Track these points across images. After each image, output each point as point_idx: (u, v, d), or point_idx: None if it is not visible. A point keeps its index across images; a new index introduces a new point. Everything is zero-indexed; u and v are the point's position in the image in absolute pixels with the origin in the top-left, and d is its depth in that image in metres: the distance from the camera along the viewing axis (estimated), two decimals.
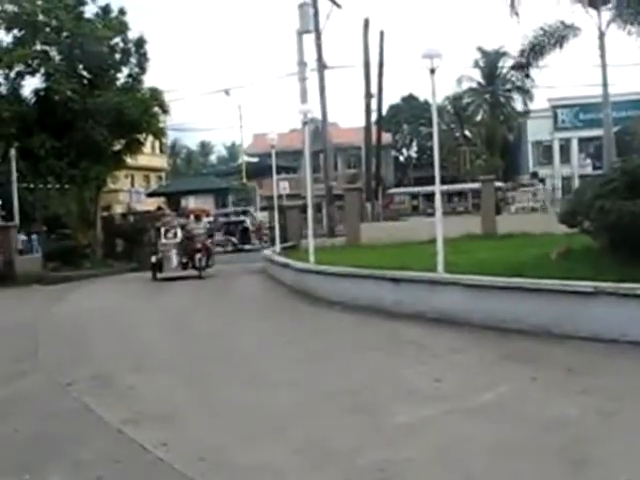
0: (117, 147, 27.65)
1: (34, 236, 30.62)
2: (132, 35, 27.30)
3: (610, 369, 7.53)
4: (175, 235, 21.47)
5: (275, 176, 23.22)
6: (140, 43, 27.36)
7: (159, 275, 20.98)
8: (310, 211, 18.49)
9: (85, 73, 26.48)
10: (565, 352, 8.28)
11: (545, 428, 5.69)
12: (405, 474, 5.09)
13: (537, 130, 57.66)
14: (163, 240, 21.39)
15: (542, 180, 52.58)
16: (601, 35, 21.35)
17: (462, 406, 6.41)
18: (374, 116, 34.32)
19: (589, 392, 6.69)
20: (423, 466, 5.17)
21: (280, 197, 36.47)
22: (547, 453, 5.28)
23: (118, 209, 37.58)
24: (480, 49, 60.08)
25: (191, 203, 47.23)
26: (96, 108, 25.01)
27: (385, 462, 5.21)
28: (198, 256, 20.75)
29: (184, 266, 21.09)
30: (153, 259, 21.21)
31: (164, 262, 21.11)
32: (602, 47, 21.37)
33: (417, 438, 5.74)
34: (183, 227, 21.87)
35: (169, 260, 21.14)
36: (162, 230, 21.75)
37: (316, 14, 27.97)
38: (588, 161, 52.14)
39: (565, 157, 58.43)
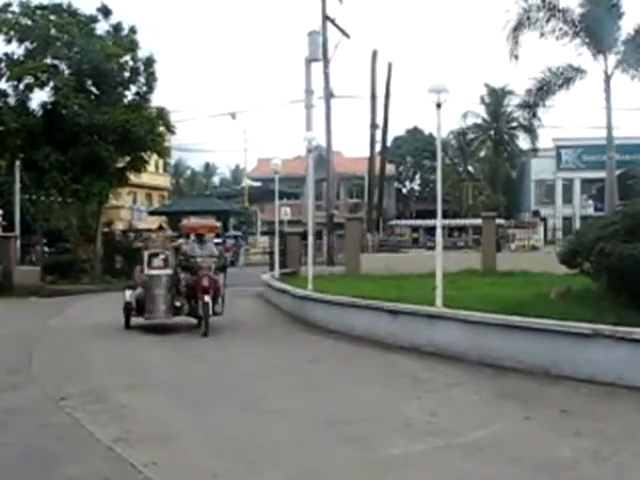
0: (121, 164, 27.75)
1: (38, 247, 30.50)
2: (142, 54, 27.58)
3: (605, 412, 7.48)
4: (166, 262, 14.36)
5: (277, 201, 23.29)
6: (149, 62, 27.58)
7: (136, 320, 14.34)
8: (311, 238, 18.52)
9: (93, 89, 26.68)
10: (561, 393, 8.25)
11: (539, 469, 5.65)
12: None
13: (540, 169, 57.98)
14: (146, 270, 14.23)
15: (544, 219, 52.70)
16: (607, 78, 21.55)
17: (456, 442, 6.38)
18: (378, 147, 34.49)
19: (583, 434, 6.66)
20: None
21: (281, 222, 36.69)
22: None
23: (119, 226, 37.60)
24: (487, 85, 60.67)
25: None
26: (103, 124, 25.14)
27: None
28: (205, 299, 13.34)
29: (176, 310, 14.14)
30: (127, 296, 14.31)
31: (147, 302, 14.02)
32: (608, 90, 21.55)
33: (410, 472, 5.70)
34: (178, 250, 14.94)
35: (154, 301, 14.00)
36: (145, 254, 14.43)
37: (325, 43, 28.23)
38: (590, 202, 52.33)
39: (567, 197, 58.70)
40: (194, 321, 14.07)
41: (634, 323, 8.66)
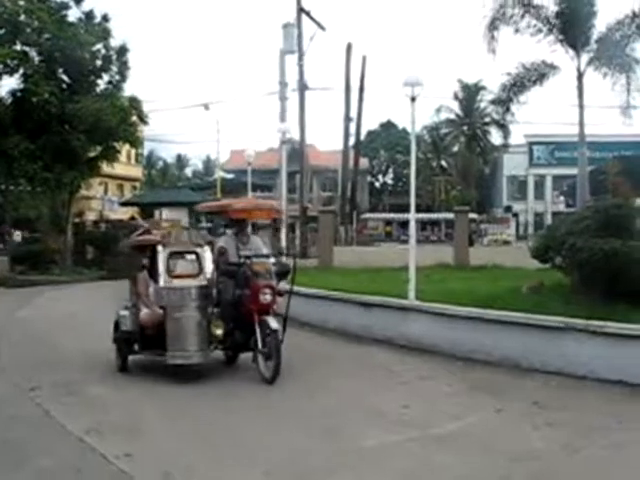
0: (93, 154, 27.43)
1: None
2: (114, 43, 27.22)
3: (577, 405, 7.58)
4: (197, 267, 9.28)
5: (250, 194, 23.13)
6: (122, 51, 27.26)
7: (134, 357, 9.42)
8: (284, 231, 18.47)
9: (65, 77, 26.29)
10: (532, 386, 8.32)
11: (512, 460, 5.70)
12: None
13: (513, 165, 58.41)
14: (166, 280, 8.98)
15: (515, 214, 53.20)
16: (579, 75, 21.71)
17: (430, 434, 6.41)
18: (352, 140, 34.49)
19: (555, 426, 6.73)
20: None
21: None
22: None
23: (90, 216, 37.20)
24: (460, 81, 60.99)
25: (165, 215, 46.99)
26: (74, 113, 24.80)
27: None
28: (272, 325, 8.58)
29: (217, 343, 9.13)
30: (123, 320, 9.46)
31: (169, 333, 8.73)
32: (580, 87, 21.72)
33: (383, 463, 5.71)
34: (210, 244, 9.92)
35: (180, 330, 8.74)
36: (162, 255, 9.13)
37: (300, 35, 28.14)
38: (561, 198, 52.75)
39: (539, 193, 59.23)
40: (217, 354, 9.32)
41: (605, 317, 8.76)
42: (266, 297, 8.71)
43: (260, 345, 8.57)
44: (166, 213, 47.19)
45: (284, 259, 10.55)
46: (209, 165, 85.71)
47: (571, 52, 21.79)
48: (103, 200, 48.96)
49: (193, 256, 9.25)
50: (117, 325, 9.56)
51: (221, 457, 5.90)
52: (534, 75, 22.29)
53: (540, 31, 21.88)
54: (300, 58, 28.28)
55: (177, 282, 8.89)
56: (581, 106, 21.98)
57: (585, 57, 21.84)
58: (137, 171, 64.14)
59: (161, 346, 8.73)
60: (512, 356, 9.19)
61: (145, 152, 68.97)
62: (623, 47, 21.32)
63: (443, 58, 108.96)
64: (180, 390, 8.24)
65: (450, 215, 28.27)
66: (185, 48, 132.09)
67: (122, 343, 9.33)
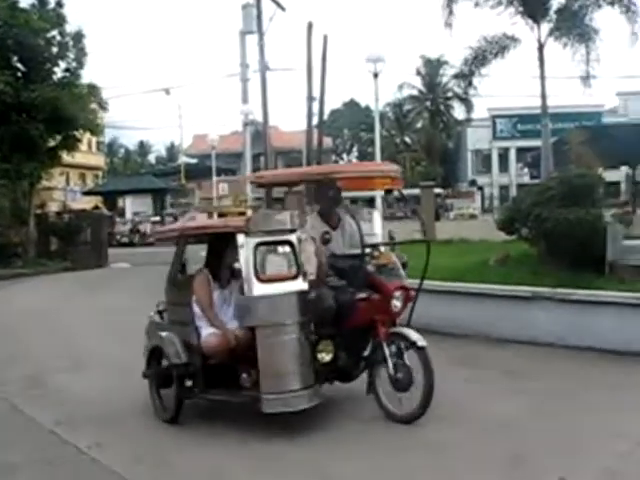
0: (52, 143, 26.94)
1: None
2: (70, 29, 26.63)
3: (547, 372, 7.68)
4: (295, 264, 6.08)
5: (215, 178, 22.97)
6: (78, 37, 26.69)
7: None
8: (249, 213, 18.39)
9: (19, 65, 25.70)
10: (503, 355, 8.41)
11: (483, 427, 5.72)
12: None
13: (476, 139, 58.87)
14: (252, 285, 5.86)
15: (480, 188, 53.68)
16: (540, 47, 21.80)
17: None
18: (315, 120, 34.34)
19: (525, 393, 6.83)
20: None
21: (220, 199, 36.36)
22: (485, 451, 5.36)
23: (53, 207, 36.61)
24: (423, 57, 61.10)
25: (128, 204, 46.57)
26: (31, 102, 24.27)
27: None
28: (419, 342, 5.98)
29: (327, 375, 6.31)
30: (169, 346, 6.42)
31: (263, 366, 5.84)
32: (541, 59, 21.83)
33: (362, 437, 5.70)
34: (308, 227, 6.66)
35: (278, 360, 5.87)
36: (246, 248, 5.90)
37: (259, 15, 27.84)
38: (525, 170, 53.38)
39: (503, 166, 59.80)
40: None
41: (572, 285, 8.88)
42: (398, 303, 6.35)
43: (392, 370, 6.05)
44: (130, 201, 46.89)
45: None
46: (172, 151, 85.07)
47: (531, 23, 21.86)
48: (65, 190, 48.37)
49: (287, 247, 6.14)
50: (154, 353, 6.64)
51: None
52: (495, 48, 22.36)
53: (500, 3, 21.93)
54: (260, 39, 28.00)
55: (272, 288, 5.92)
56: (542, 77, 22.11)
57: (545, 28, 21.94)
58: (99, 160, 63.44)
59: (234, 382, 6.12)
60: (483, 328, 9.26)
61: (106, 140, 68.13)
62: (582, 17, 21.45)
63: (405, 35, 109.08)
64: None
65: (416, 191, 28.31)
66: (143, 32, 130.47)
67: (170, 382, 6.34)
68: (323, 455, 5.45)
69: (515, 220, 11.94)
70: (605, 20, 45.42)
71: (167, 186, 49.28)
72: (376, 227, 6.93)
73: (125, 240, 39.31)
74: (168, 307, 6.90)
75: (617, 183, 35.44)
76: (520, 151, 56.51)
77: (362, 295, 6.19)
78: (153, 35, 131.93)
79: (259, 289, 5.86)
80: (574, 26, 21.50)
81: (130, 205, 46.50)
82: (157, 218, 42.81)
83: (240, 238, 5.92)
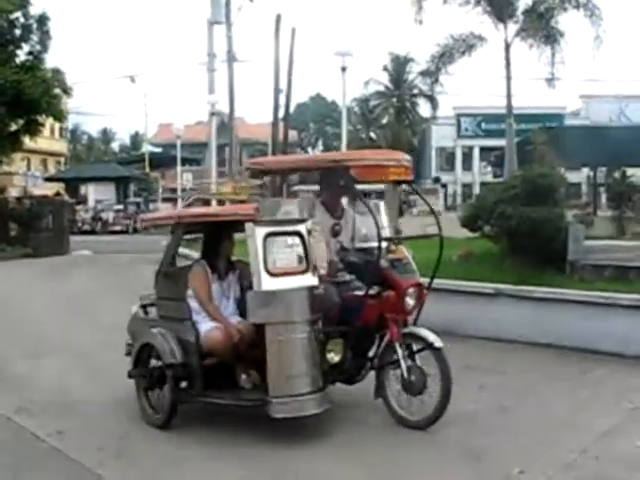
0: (14, 127, 26.48)
1: None
2: (34, 11, 26.20)
3: (508, 368, 7.79)
4: (305, 257, 5.72)
5: (179, 167, 22.80)
6: (42, 20, 26.24)
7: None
8: (214, 204, 18.33)
9: None
10: (465, 351, 8.43)
11: (446, 422, 5.77)
12: None
13: (441, 136, 59.32)
14: (261, 279, 5.43)
15: (444, 185, 54.10)
16: (507, 47, 22.06)
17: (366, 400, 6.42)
18: (281, 112, 34.26)
19: (487, 388, 6.92)
20: None
21: (184, 189, 36.10)
22: (445, 445, 5.43)
23: (13, 192, 35.99)
24: (391, 53, 61.27)
25: (91, 192, 45.95)
26: None
27: None
28: (436, 343, 5.70)
29: (335, 376, 5.95)
30: (164, 341, 5.89)
31: (272, 366, 5.43)
32: (507, 58, 22.09)
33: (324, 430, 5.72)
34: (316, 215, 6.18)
35: (288, 361, 5.47)
36: (256, 238, 5.46)
37: (228, 5, 27.75)
38: (489, 169, 53.88)
39: (467, 164, 60.34)
40: None
41: (534, 282, 9.02)
42: (411, 301, 5.98)
43: (405, 372, 5.75)
44: (93, 188, 46.26)
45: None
46: (136, 139, 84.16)
47: (498, 23, 22.09)
48: (26, 176, 47.59)
49: (296, 238, 5.73)
50: (143, 351, 6.10)
51: None
52: (462, 46, 22.57)
53: (468, 2, 22.12)
54: (228, 29, 27.91)
55: (282, 282, 5.51)
56: (508, 77, 22.39)
57: (512, 29, 22.19)
58: (61, 146, 62.49)
59: (231, 384, 5.78)
60: (446, 323, 9.30)
61: (70, 126, 67.11)
62: (548, 19, 21.74)
63: (372, 30, 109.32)
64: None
65: (380, 186, 28.40)
66: (110, 18, 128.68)
67: (161, 383, 5.88)
68: (327, 463, 5.15)
69: (479, 217, 12.08)
70: (570, 23, 45.98)
71: (131, 174, 48.74)
72: (384, 219, 6.46)
73: (87, 228, 38.82)
74: (158, 302, 6.35)
75: (578, 184, 36.01)
76: (484, 150, 57.04)
77: (372, 291, 5.84)
78: (120, 21, 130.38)
79: (269, 283, 5.42)
80: (540, 28, 21.79)
81: (93, 192, 45.85)
82: (120, 206, 42.35)
83: (249, 227, 5.48)
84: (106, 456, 5.25)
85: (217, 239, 6.16)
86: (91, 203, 44.32)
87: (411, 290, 5.91)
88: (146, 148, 56.84)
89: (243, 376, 5.70)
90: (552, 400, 6.59)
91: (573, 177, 25.42)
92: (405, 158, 6.27)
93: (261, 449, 5.34)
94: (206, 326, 5.81)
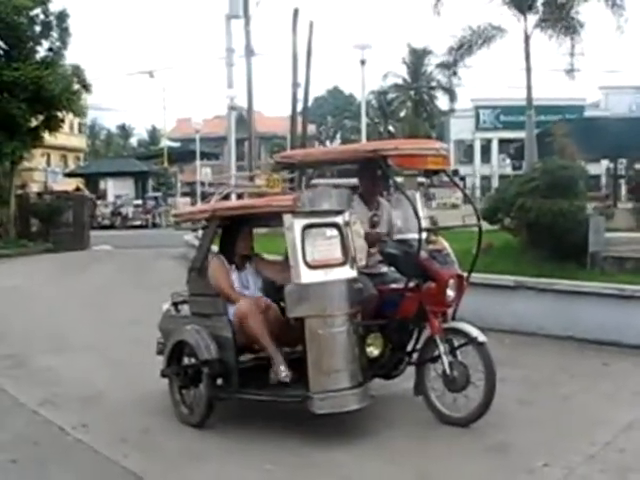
0: (35, 123, 26.70)
1: None
2: (54, 8, 26.39)
3: (528, 360, 7.78)
4: (342, 249, 5.62)
5: (199, 161, 22.86)
6: (62, 17, 26.43)
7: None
8: (234, 198, 18.33)
9: (1, 43, 25.41)
10: None
11: None
12: None
13: (459, 129, 59.07)
14: (300, 272, 5.30)
15: (463, 178, 53.85)
16: (526, 38, 21.87)
17: (382, 393, 6.44)
18: (300, 106, 34.29)
19: (507, 381, 6.86)
20: None
21: (202, 184, 36.23)
22: (469, 439, 5.43)
23: (34, 188, 36.34)
24: (408, 46, 61.05)
25: (110, 187, 46.26)
26: (13, 81, 24.02)
27: None
28: (480, 337, 5.67)
29: (375, 370, 5.85)
30: (200, 338, 5.75)
31: (317, 365, 5.31)
32: (527, 50, 21.91)
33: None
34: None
35: (329, 356, 5.34)
36: (295, 230, 5.36)
37: None
38: (508, 161, 53.65)
39: (486, 157, 60.05)
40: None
41: (553, 275, 9.00)
42: (452, 293, 5.84)
43: (448, 368, 5.61)
44: (112, 183, 46.58)
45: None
46: (155, 134, 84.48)
47: (518, 15, 21.92)
48: (46, 171, 47.95)
49: (334, 230, 5.64)
50: (176, 349, 6.01)
51: None
52: (481, 38, 22.41)
53: None
54: (247, 23, 27.89)
55: (321, 275, 5.40)
56: (528, 69, 22.18)
57: (532, 20, 22.01)
58: (80, 141, 62.86)
59: (265, 380, 5.63)
60: (465, 315, 9.30)
61: (88, 122, 67.51)
62: (568, 10, 21.55)
63: (390, 23, 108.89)
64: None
65: (399, 179, 28.39)
66: (128, 14, 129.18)
67: (196, 381, 5.78)
68: (366, 461, 5.05)
69: (498, 210, 12.06)
70: (590, 13, 45.59)
71: (149, 169, 49.03)
72: (420, 210, 6.01)
73: (106, 222, 39.15)
74: (191, 298, 6.22)
75: (598, 176, 35.74)
76: (502, 142, 56.78)
77: (412, 283, 5.70)
78: (138, 17, 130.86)
79: (308, 276, 5.30)
80: (560, 18, 21.60)
81: (112, 188, 46.18)
82: (139, 201, 42.60)
83: (287, 219, 5.37)
84: (129, 449, 5.30)
85: (237, 234, 6.08)
86: (110, 198, 44.65)
87: (452, 281, 5.78)
88: (164, 143, 57.11)
89: (282, 368, 5.47)
90: (574, 393, 6.57)
91: (593, 169, 25.20)
92: (443, 147, 6.18)
93: (289, 443, 5.33)
94: (231, 309, 5.73)
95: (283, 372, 5.45)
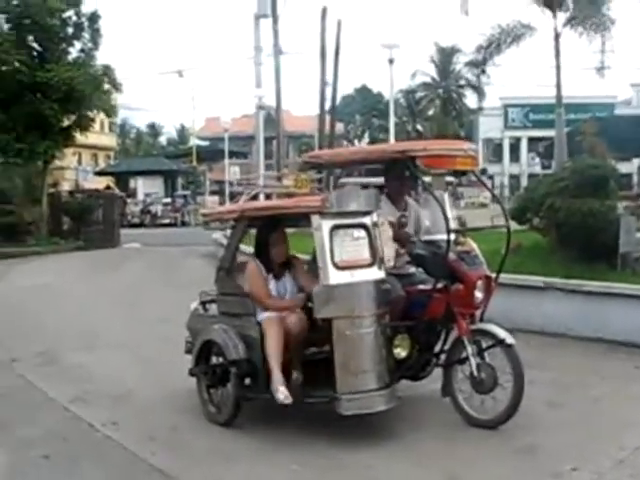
0: (66, 123, 27.04)
1: None
2: (86, 9, 26.70)
3: (557, 362, 7.70)
4: (370, 250, 5.59)
5: (227, 160, 22.96)
6: (94, 18, 26.74)
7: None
8: (262, 198, 18.44)
9: (35, 45, 25.78)
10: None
11: None
12: None
13: (488, 127, 58.58)
14: (329, 273, 5.31)
15: (491, 177, 53.47)
16: (556, 36, 21.69)
17: (412, 393, 6.44)
18: (328, 105, 34.25)
19: (536, 383, 6.80)
20: None
21: (231, 184, 36.41)
22: (497, 441, 5.41)
23: (65, 186, 36.77)
24: (436, 44, 60.70)
25: (140, 185, 46.67)
26: (45, 81, 24.35)
27: None
28: (508, 339, 5.66)
29: (402, 372, 5.81)
30: (228, 338, 5.77)
31: (339, 362, 5.32)
32: (557, 48, 21.72)
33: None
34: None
35: (356, 356, 5.34)
36: (323, 231, 5.36)
37: None
38: (537, 160, 53.12)
39: (514, 156, 59.53)
40: None
41: (583, 276, 8.91)
42: (480, 294, 5.81)
43: (475, 370, 5.60)
44: (142, 182, 46.97)
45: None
46: (183, 133, 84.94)
47: (547, 12, 21.74)
48: (77, 170, 48.47)
49: (362, 231, 5.61)
50: (205, 349, 6.04)
51: None
52: (510, 36, 22.26)
53: None
54: (275, 22, 27.96)
55: (349, 276, 5.40)
56: (558, 67, 22.01)
57: (561, 18, 21.81)
58: (111, 140, 63.47)
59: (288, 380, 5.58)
60: (494, 317, 9.25)
61: (118, 121, 68.09)
62: (599, 6, 21.33)
63: (418, 22, 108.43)
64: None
65: (427, 179, 28.30)
66: (158, 14, 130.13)
67: (224, 380, 5.81)
68: (393, 462, 5.04)
69: (528, 209, 11.94)
70: (622, 9, 44.94)
71: (178, 168, 49.36)
72: (448, 210, 5.94)
73: (136, 221, 39.50)
74: (219, 298, 6.23)
75: (629, 175, 35.27)
76: (531, 141, 56.21)
77: (440, 284, 5.66)
78: (168, 17, 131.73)
79: (336, 277, 5.30)
80: (591, 15, 21.39)
81: (141, 186, 46.57)
82: (168, 199, 42.92)
83: (315, 220, 5.36)
84: (158, 447, 5.36)
85: (269, 237, 5.94)
86: (140, 196, 45.02)
87: (480, 283, 5.74)
88: (193, 142, 57.44)
89: (281, 389, 5.39)
90: (603, 396, 6.50)
91: (624, 167, 24.89)
92: (471, 147, 6.21)
93: (316, 445, 5.35)
94: (261, 313, 5.73)
95: (282, 395, 5.36)
